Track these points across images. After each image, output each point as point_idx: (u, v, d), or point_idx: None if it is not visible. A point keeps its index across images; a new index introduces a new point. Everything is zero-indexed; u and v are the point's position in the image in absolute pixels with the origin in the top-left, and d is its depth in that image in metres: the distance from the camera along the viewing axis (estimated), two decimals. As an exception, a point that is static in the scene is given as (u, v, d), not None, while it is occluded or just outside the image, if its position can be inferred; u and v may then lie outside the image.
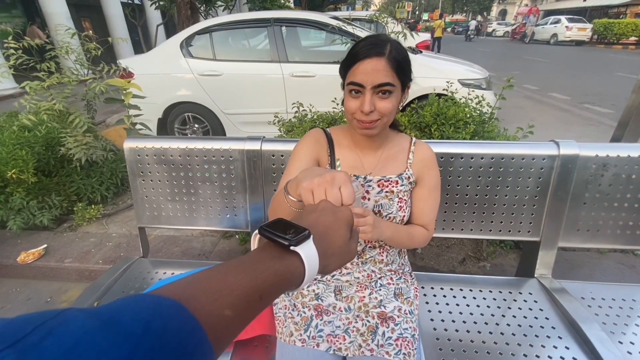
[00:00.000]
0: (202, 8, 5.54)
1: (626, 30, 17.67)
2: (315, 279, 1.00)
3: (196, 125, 3.68)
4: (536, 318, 1.12)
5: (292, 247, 0.39)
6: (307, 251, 0.39)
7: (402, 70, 0.82)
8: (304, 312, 0.94)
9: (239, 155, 1.29)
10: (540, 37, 20.64)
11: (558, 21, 19.43)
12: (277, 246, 0.39)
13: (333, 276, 0.98)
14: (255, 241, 0.46)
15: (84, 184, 2.49)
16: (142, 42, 6.62)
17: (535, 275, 1.30)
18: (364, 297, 0.97)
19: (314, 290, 0.98)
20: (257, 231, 0.43)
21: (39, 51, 2.46)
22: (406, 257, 1.14)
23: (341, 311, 0.95)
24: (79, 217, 2.37)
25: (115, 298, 1.28)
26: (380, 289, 0.98)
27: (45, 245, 2.15)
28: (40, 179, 2.35)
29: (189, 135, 3.74)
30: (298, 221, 0.43)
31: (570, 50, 15.99)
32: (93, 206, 2.45)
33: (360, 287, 0.98)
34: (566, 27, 18.66)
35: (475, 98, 2.17)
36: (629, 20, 18.41)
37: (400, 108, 0.90)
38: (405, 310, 0.94)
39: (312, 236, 0.41)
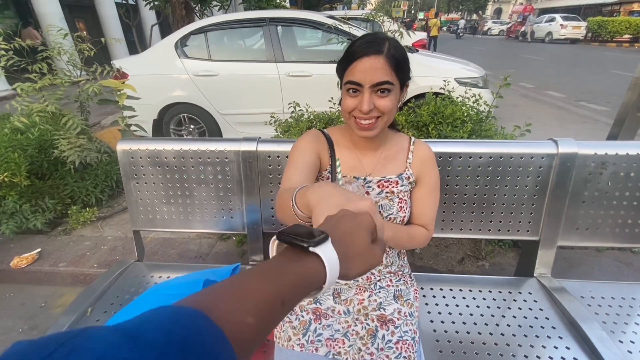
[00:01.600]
0: (197, 8, 5.50)
1: (620, 28, 17.79)
2: None
3: (192, 126, 3.65)
4: (536, 318, 1.11)
5: (311, 249, 0.38)
6: (327, 252, 0.39)
7: (401, 69, 0.81)
8: (302, 316, 0.93)
9: (234, 157, 1.27)
10: (535, 35, 20.74)
11: (553, 19, 19.54)
12: (296, 249, 0.39)
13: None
14: (273, 248, 0.45)
15: (78, 186, 2.46)
16: (136, 43, 6.58)
17: (534, 275, 1.29)
18: (363, 299, 0.95)
19: (312, 293, 0.97)
20: (275, 237, 0.42)
21: (32, 52, 2.43)
22: (405, 258, 1.13)
23: (340, 314, 0.93)
24: (74, 220, 2.34)
25: (110, 303, 1.26)
26: (379, 292, 0.96)
27: (39, 249, 2.11)
28: (34, 182, 2.32)
29: (185, 136, 3.71)
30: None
31: (565, 48, 16.08)
32: (87, 209, 2.42)
33: (360, 289, 0.97)
34: (561, 25, 18.76)
35: (472, 97, 2.17)
36: (623, 18, 18.54)
37: (399, 107, 0.89)
38: (405, 313, 0.93)
39: (330, 239, 0.40)
